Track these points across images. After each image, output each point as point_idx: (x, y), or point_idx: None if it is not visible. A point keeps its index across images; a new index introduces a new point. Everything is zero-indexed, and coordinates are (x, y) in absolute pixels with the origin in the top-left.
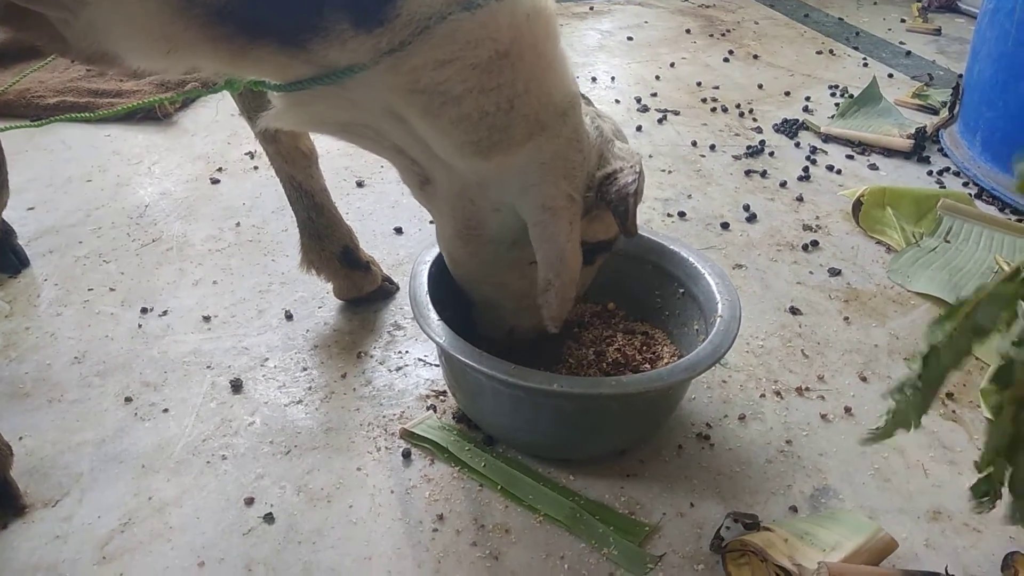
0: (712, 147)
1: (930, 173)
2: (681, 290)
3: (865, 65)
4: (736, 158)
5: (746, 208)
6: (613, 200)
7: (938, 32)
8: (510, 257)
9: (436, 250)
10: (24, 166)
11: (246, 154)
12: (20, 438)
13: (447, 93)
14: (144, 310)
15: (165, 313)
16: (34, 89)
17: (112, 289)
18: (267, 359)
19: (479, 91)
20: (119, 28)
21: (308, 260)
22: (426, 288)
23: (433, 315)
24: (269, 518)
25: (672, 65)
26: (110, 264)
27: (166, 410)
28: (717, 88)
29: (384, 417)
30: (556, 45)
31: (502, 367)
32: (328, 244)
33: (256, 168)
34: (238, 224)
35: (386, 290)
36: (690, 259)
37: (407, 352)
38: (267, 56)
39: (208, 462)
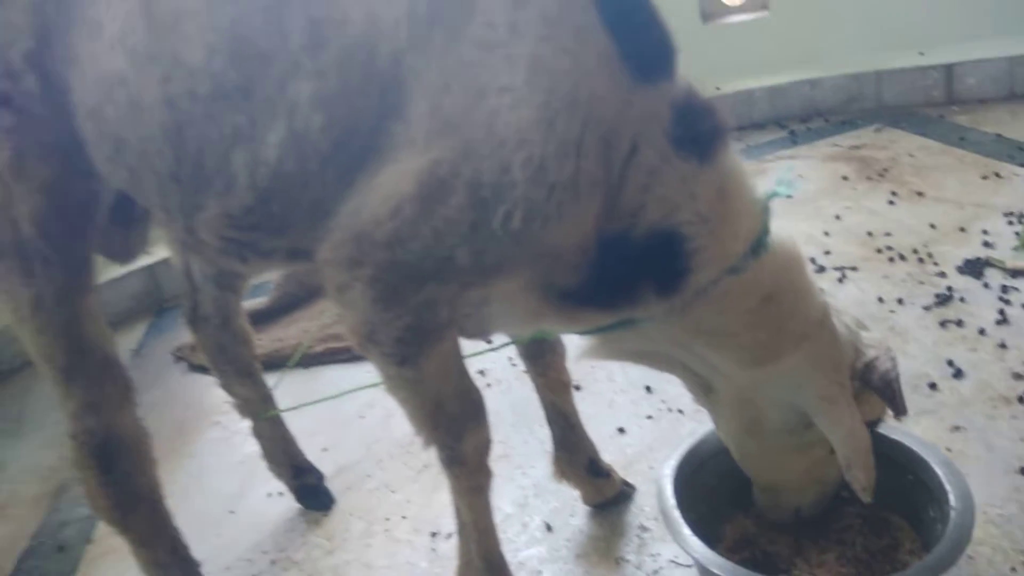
0: (899, 300)
1: None
2: (910, 476)
3: None
4: (927, 309)
5: (950, 363)
6: (879, 386)
7: None
8: (792, 442)
9: (673, 461)
10: (307, 409)
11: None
12: None
13: (725, 331)
14: (433, 534)
15: (450, 536)
16: (299, 338)
17: (404, 517)
18: (540, 572)
19: (752, 326)
20: (505, 317)
21: (560, 470)
22: (674, 502)
23: (686, 530)
24: None
25: (837, 217)
26: (396, 493)
27: None
28: (889, 235)
29: None
30: (804, 273)
31: None
32: (576, 457)
33: (488, 385)
34: None
35: (625, 493)
36: (912, 447)
37: (659, 554)
38: (586, 316)
39: None
